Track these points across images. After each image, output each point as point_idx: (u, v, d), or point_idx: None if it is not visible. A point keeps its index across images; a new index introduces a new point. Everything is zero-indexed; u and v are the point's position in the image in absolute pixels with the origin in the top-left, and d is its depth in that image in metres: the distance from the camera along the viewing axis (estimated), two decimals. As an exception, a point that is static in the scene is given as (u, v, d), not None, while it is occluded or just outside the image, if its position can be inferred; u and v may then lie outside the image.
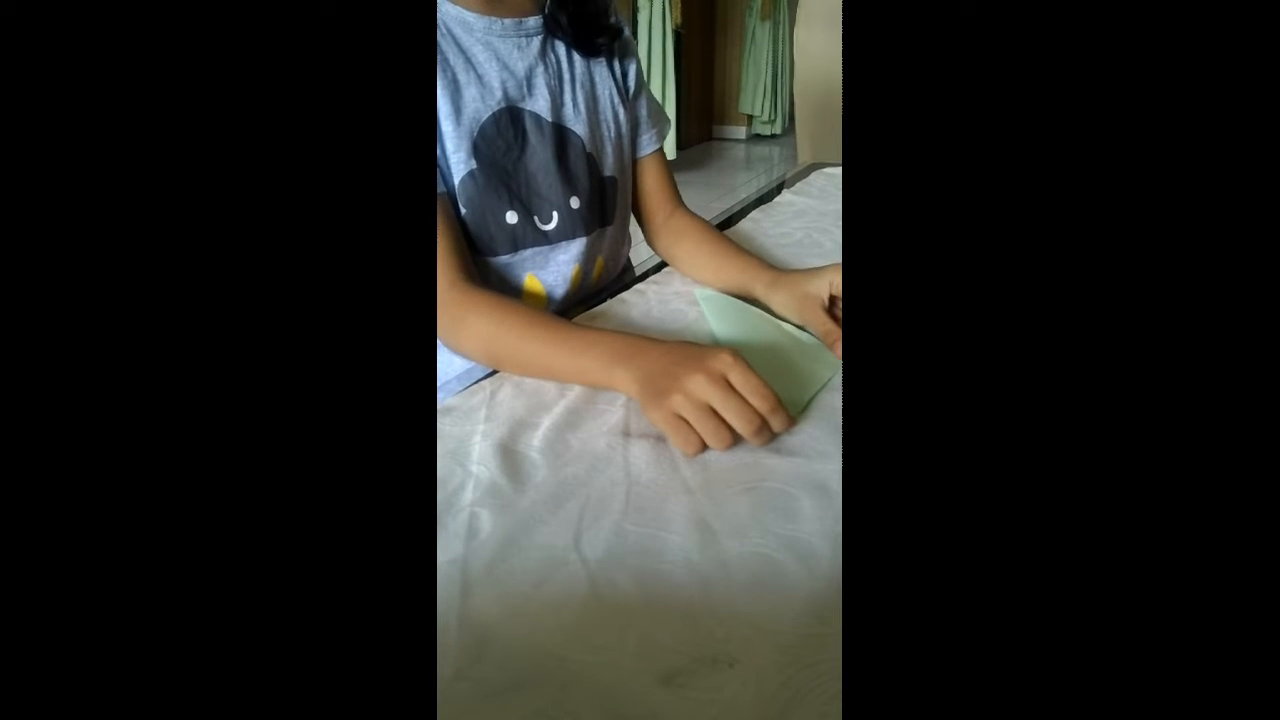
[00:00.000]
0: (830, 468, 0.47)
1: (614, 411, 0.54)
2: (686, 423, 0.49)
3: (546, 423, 0.52)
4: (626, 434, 0.51)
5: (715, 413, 0.48)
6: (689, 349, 0.52)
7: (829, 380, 0.59)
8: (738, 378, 0.49)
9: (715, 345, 0.55)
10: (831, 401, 0.56)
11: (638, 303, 0.76)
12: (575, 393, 0.56)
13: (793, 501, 0.44)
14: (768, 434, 0.49)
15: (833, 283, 0.66)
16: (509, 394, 0.57)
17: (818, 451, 0.49)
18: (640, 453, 0.49)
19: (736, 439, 0.49)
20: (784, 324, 0.68)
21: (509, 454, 0.49)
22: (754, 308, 0.71)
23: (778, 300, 0.70)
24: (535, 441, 0.50)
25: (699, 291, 0.66)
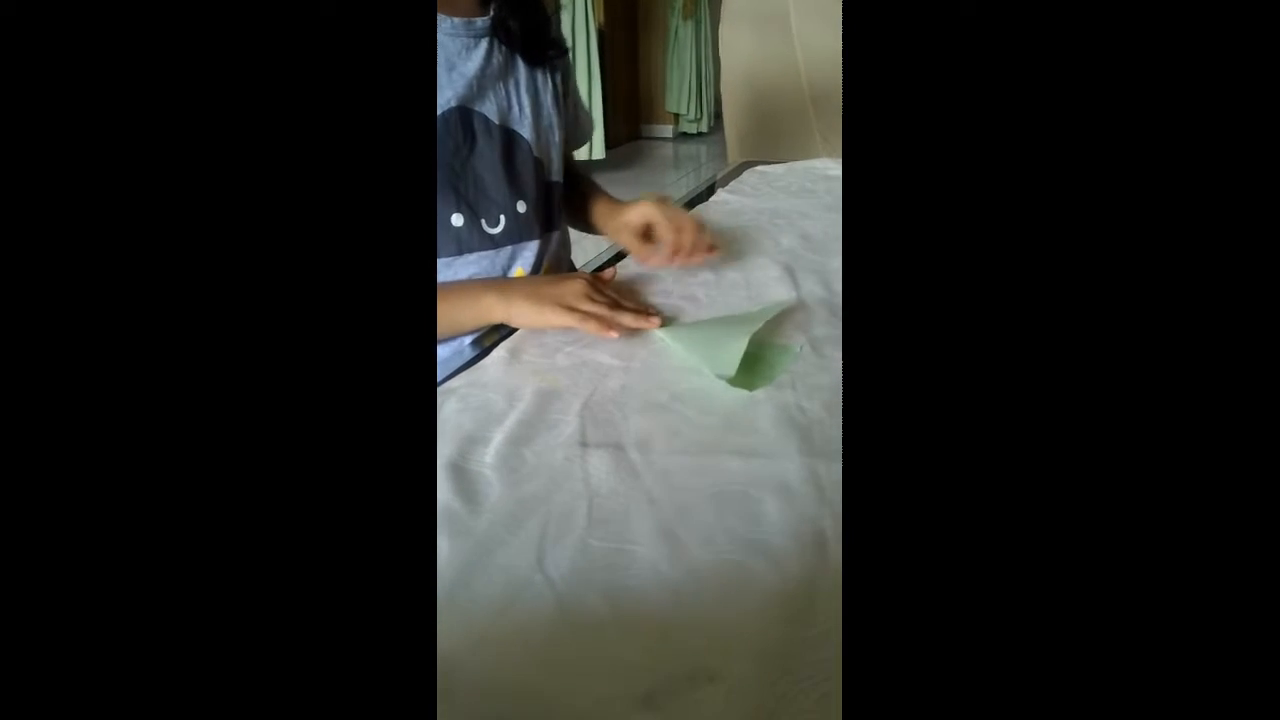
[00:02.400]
0: (790, 466, 0.47)
1: (569, 422, 0.53)
2: (578, 314, 0.64)
3: (498, 437, 0.51)
4: (584, 444, 0.50)
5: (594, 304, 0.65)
6: (549, 278, 0.73)
7: (760, 324, 0.62)
8: (595, 293, 0.67)
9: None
10: (786, 399, 0.55)
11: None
12: (525, 403, 0.55)
13: (756, 504, 0.44)
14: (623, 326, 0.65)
15: (643, 212, 0.77)
16: (454, 408, 0.55)
17: (777, 451, 0.49)
18: (599, 463, 0.48)
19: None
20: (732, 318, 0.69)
21: (460, 473, 0.47)
22: (706, 322, 0.70)
23: (608, 227, 0.85)
24: (488, 458, 0.48)
25: (659, 332, 0.67)
